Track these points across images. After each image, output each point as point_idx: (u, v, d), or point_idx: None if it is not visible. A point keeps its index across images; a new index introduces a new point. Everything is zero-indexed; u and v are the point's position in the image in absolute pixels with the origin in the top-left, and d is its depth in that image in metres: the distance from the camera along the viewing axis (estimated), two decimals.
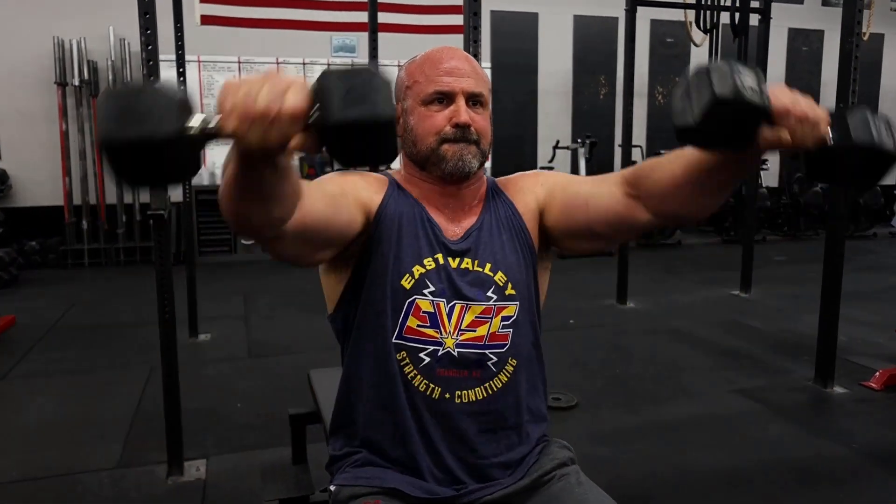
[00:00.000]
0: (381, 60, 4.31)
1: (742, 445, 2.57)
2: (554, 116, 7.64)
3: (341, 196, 1.04)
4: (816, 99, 0.88)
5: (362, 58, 6.63)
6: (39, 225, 6.13)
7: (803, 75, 8.56)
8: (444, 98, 1.08)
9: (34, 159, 6.13)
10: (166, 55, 4.19)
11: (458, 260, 1.11)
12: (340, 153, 0.70)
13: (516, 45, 7.47)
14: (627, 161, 4.91)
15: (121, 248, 6.21)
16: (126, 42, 6.06)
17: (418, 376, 1.08)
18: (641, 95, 7.54)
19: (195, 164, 0.68)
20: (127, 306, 4.67)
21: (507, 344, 1.12)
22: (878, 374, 3.21)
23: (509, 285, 1.12)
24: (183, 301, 3.84)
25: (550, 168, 6.96)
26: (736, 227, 7.50)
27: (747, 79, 0.75)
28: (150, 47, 2.13)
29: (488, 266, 1.12)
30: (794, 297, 4.98)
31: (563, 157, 7.34)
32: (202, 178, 6.42)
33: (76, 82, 6.00)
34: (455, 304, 1.09)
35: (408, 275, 1.08)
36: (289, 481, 1.86)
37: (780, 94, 0.78)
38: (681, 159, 0.97)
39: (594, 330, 4.18)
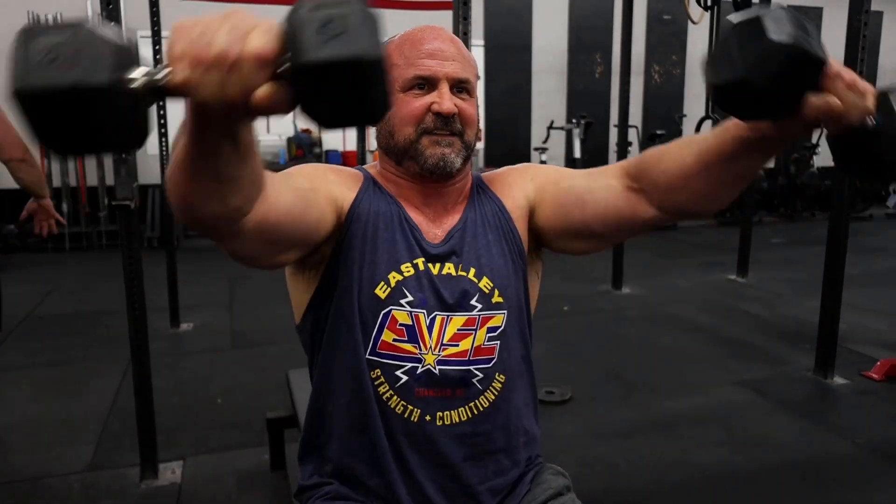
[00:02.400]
0: None
1: (744, 442, 2.48)
2: (548, 96, 7.46)
3: (311, 191, 0.91)
4: None
5: None
6: (18, 208, 5.90)
7: None
8: (426, 84, 0.96)
9: None
10: (143, 31, 4.02)
11: (438, 265, 0.99)
12: (317, 108, 0.54)
13: (510, 22, 7.27)
14: (624, 141, 4.76)
15: (102, 231, 6.05)
16: (104, 17, 5.83)
17: (395, 397, 0.97)
18: (637, 74, 7.37)
19: (140, 127, 0.52)
20: (107, 293, 4.52)
21: (493, 358, 1.00)
22: (878, 363, 3.13)
23: (496, 292, 1.00)
24: (164, 288, 3.71)
25: (544, 149, 6.83)
26: (732, 208, 7.39)
27: (805, 26, 0.65)
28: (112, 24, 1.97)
29: (472, 271, 1.00)
30: (792, 281, 4.89)
31: (558, 137, 7.19)
32: None
33: None
34: (436, 315, 0.97)
35: (383, 283, 0.96)
36: (266, 489, 1.76)
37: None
38: (693, 146, 0.85)
39: (589, 317, 4.07)
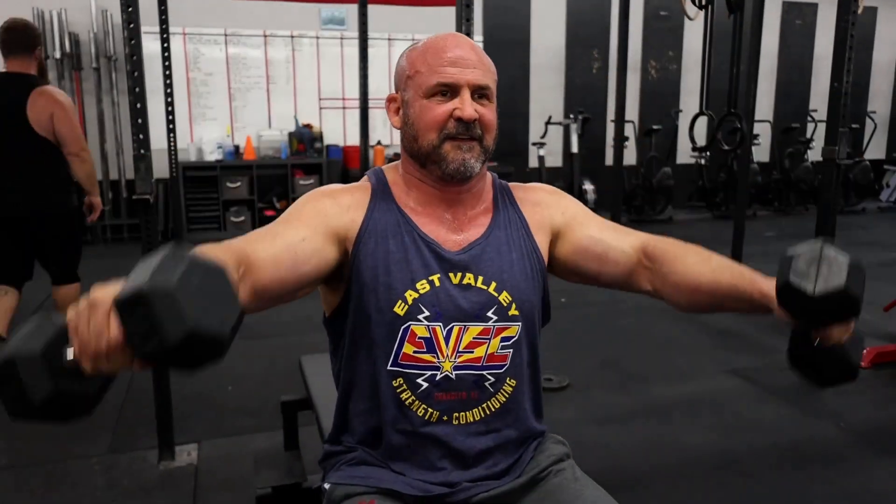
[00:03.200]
0: (371, 34, 4.22)
1: (734, 427, 2.59)
2: (546, 91, 7.55)
3: (303, 241, 0.97)
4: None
5: (352, 30, 6.49)
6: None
7: (796, 49, 8.49)
8: (448, 90, 1.01)
9: None
10: (149, 27, 4.10)
11: (459, 275, 1.05)
12: (185, 370, 0.71)
13: (509, 18, 7.34)
14: (620, 136, 4.84)
15: (107, 225, 6.13)
16: (108, 13, 5.89)
17: (416, 402, 1.05)
18: (634, 70, 7.45)
19: (87, 400, 0.72)
20: None
21: (505, 364, 1.08)
22: (864, 351, 3.24)
23: (513, 306, 1.07)
24: None
25: (542, 144, 6.92)
26: (727, 202, 7.50)
27: (863, 283, 0.89)
28: (132, 25, 2.05)
29: (493, 285, 1.06)
30: None
31: (556, 132, 7.28)
32: (189, 154, 6.32)
33: (57, 55, 5.84)
34: (453, 325, 1.04)
35: (400, 301, 1.02)
36: (281, 468, 1.85)
37: None
38: (710, 273, 1.05)
39: (586, 308, 4.18)
